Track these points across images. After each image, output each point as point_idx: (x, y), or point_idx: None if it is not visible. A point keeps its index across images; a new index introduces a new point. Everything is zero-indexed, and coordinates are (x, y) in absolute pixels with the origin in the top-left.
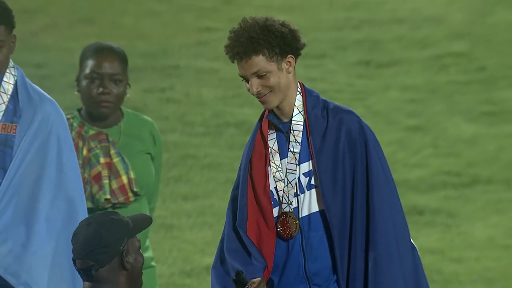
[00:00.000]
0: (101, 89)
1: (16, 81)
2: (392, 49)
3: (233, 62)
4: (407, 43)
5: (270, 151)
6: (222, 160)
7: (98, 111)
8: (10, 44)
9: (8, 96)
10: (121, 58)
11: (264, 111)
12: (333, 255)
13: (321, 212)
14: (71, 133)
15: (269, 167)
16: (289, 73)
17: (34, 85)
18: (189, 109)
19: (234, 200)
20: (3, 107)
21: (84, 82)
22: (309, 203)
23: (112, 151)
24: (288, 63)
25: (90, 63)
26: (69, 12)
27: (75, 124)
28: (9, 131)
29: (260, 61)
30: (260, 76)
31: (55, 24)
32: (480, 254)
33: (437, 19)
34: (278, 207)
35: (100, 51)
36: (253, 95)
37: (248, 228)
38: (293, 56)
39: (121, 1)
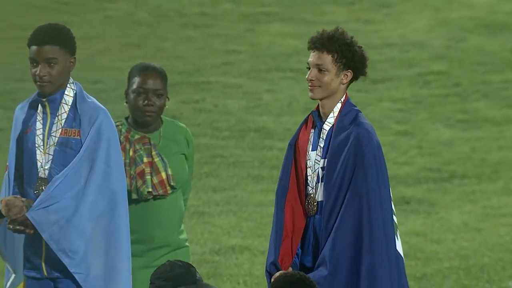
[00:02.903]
0: (146, 102)
1: (75, 94)
2: (385, 68)
3: (308, 50)
4: (396, 63)
5: (309, 140)
6: (244, 159)
7: (143, 119)
8: (65, 63)
9: (69, 106)
10: (162, 76)
11: (316, 106)
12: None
13: (321, 202)
14: (120, 137)
15: (306, 153)
16: (343, 84)
17: (90, 96)
18: (217, 117)
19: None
20: (65, 115)
21: (131, 95)
22: (320, 192)
23: (154, 152)
24: (345, 75)
25: (137, 79)
26: (120, 39)
27: (123, 130)
28: (69, 135)
29: (326, 59)
30: (320, 70)
31: (109, 48)
32: (456, 236)
33: (421, 44)
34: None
35: (146, 70)
36: (307, 80)
37: (287, 198)
38: (351, 72)
39: (163, 29)
